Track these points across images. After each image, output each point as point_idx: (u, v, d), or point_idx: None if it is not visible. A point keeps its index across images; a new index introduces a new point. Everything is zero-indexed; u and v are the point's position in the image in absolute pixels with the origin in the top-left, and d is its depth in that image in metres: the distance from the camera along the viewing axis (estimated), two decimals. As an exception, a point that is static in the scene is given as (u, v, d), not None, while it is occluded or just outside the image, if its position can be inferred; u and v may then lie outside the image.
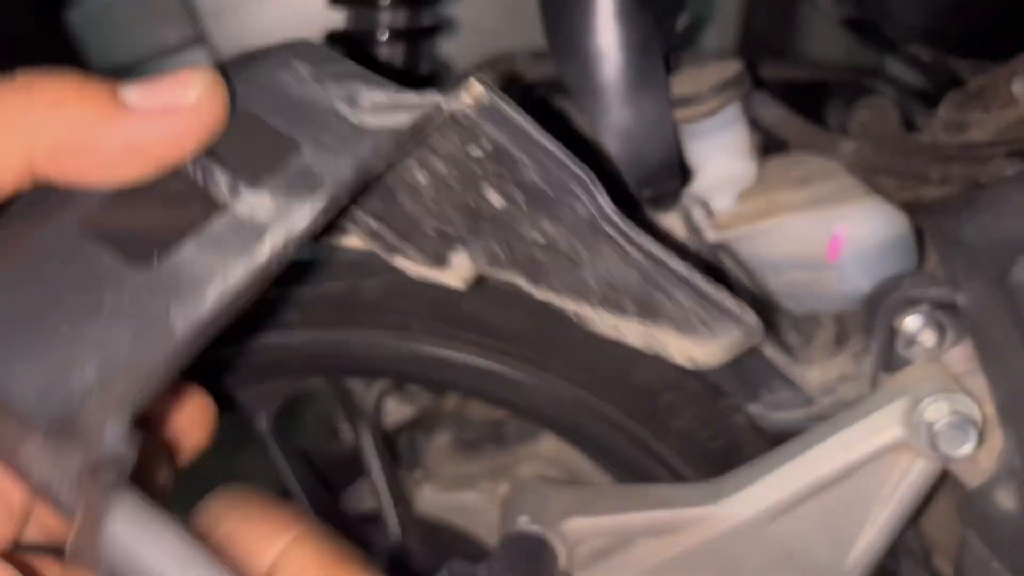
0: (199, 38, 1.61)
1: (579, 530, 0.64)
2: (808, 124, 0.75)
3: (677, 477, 0.76)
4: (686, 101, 0.63)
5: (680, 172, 0.66)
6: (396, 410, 0.93)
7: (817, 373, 0.68)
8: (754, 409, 0.70)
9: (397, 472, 0.91)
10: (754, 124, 0.77)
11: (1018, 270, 0.44)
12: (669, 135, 0.64)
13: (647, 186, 0.65)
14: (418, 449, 0.99)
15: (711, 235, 0.66)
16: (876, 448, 0.61)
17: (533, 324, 0.71)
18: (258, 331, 0.74)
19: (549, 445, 0.97)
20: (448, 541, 0.97)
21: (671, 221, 0.67)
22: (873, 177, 0.74)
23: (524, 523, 0.64)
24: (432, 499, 0.96)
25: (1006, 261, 0.45)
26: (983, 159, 0.63)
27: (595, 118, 0.64)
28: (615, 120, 0.64)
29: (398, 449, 0.98)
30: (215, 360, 0.75)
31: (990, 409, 0.60)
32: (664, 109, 0.63)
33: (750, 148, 0.68)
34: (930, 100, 0.93)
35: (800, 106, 0.83)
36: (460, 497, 0.96)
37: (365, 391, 0.83)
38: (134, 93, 0.34)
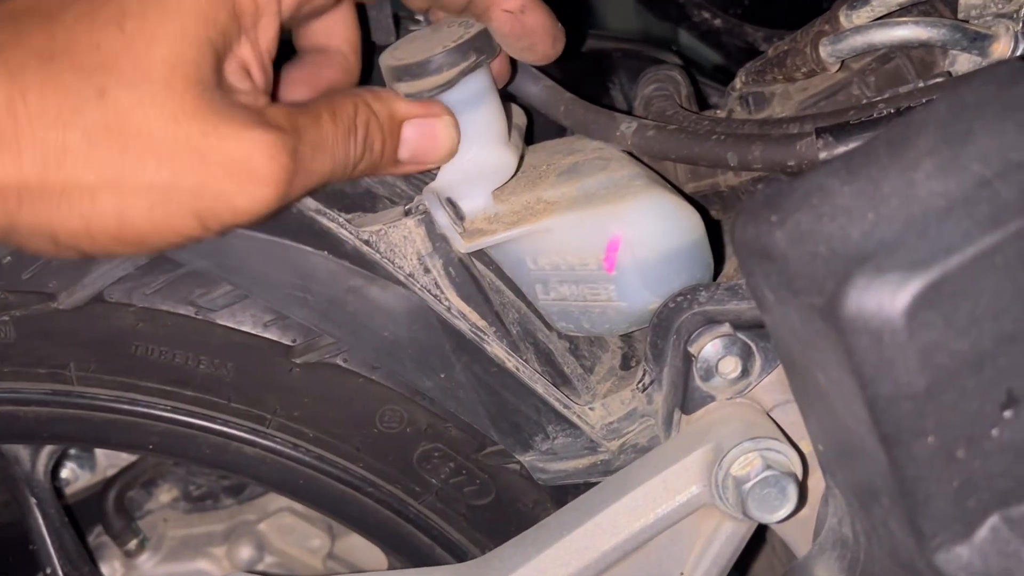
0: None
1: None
2: (581, 101, 0.61)
3: (441, 541, 0.61)
4: (413, 70, 0.47)
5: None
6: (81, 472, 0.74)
7: (600, 412, 0.54)
8: (528, 460, 0.55)
9: (87, 548, 0.72)
10: (517, 102, 0.62)
11: (853, 298, 0.31)
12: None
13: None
14: (133, 511, 0.79)
15: (460, 245, 0.51)
16: (672, 513, 0.48)
17: (237, 367, 0.54)
18: None
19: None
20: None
21: (409, 228, 0.50)
22: (659, 163, 0.61)
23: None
24: (153, 574, 0.77)
25: (835, 284, 0.32)
26: (789, 138, 0.51)
27: None
28: None
29: (106, 511, 0.78)
30: None
31: (810, 446, 0.48)
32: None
33: (505, 131, 0.53)
34: (726, 77, 0.83)
35: (580, 81, 0.70)
36: (188, 568, 0.78)
37: (32, 455, 0.63)
38: None
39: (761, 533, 0.72)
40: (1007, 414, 0.32)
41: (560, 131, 0.68)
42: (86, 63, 0.37)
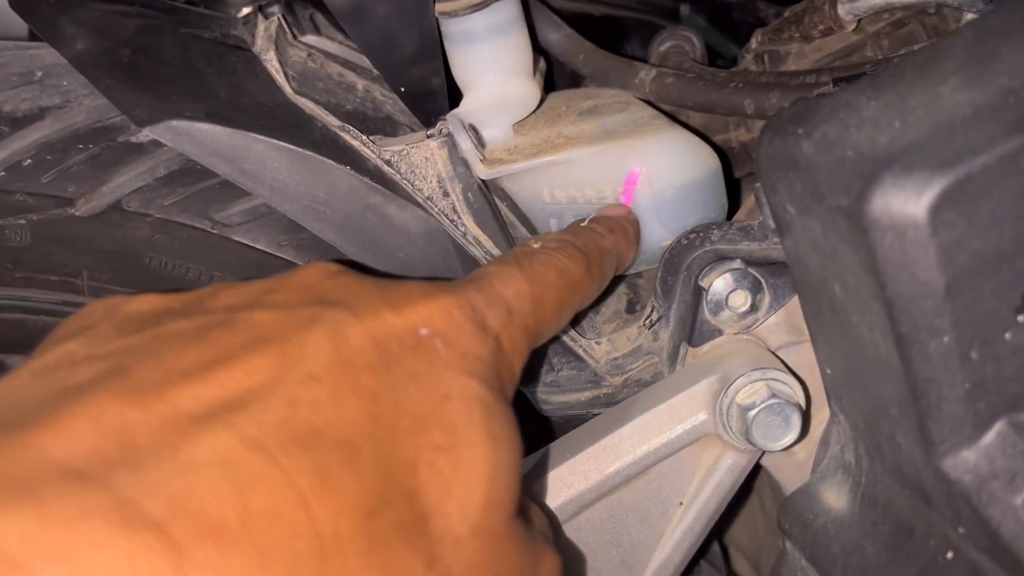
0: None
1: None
2: (600, 50, 0.62)
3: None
4: (444, -11, 0.48)
5: (443, 67, 0.51)
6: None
7: (606, 346, 0.55)
8: (532, 391, 0.56)
9: None
10: (539, 49, 0.63)
11: (879, 196, 0.32)
12: (428, 20, 0.49)
13: (404, 83, 0.50)
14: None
15: (481, 171, 0.52)
16: (676, 440, 0.49)
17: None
18: None
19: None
20: None
21: (431, 150, 0.51)
22: (676, 113, 0.62)
23: None
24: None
25: (862, 183, 0.33)
26: (807, 86, 0.52)
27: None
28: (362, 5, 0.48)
29: None
30: None
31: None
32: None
33: (530, 65, 0.53)
34: (730, 64, 0.84)
35: (595, 42, 0.71)
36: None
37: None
38: None
39: (743, 496, 0.73)
40: (1021, 318, 0.33)
41: (576, 84, 0.69)
42: (404, 518, 0.29)
